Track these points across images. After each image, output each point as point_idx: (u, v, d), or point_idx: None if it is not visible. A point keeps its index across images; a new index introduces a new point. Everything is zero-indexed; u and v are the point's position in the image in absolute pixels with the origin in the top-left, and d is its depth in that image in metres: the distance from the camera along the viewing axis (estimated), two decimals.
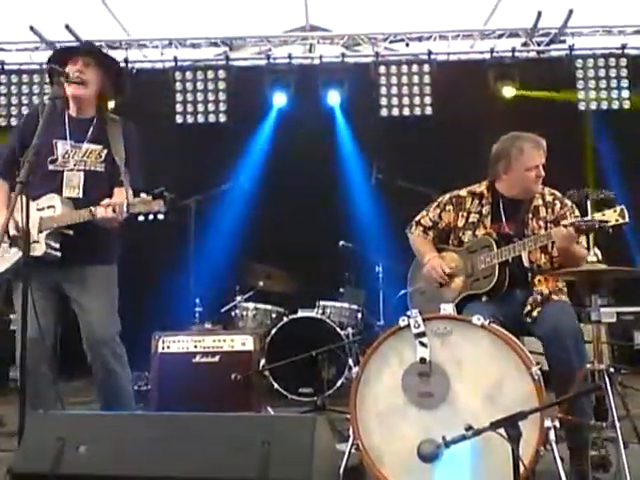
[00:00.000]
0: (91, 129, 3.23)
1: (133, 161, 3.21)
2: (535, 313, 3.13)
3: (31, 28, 6.93)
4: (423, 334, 2.66)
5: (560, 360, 2.91)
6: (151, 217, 2.93)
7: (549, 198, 3.32)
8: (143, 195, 2.91)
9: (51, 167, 3.17)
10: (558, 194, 3.31)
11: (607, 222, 2.76)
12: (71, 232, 3.07)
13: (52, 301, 3.16)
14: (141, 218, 2.97)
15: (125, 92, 3.55)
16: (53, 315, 3.16)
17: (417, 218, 3.59)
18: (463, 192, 3.47)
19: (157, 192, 2.89)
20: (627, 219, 2.75)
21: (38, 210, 3.07)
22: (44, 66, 7.12)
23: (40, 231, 3.05)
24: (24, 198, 2.71)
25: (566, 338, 2.91)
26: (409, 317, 2.69)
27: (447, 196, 3.51)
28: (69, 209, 3.09)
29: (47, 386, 3.06)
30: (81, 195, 3.17)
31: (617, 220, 2.76)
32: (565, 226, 2.95)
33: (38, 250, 3.03)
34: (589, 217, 2.84)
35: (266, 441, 2.10)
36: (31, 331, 2.82)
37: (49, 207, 3.09)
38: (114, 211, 2.95)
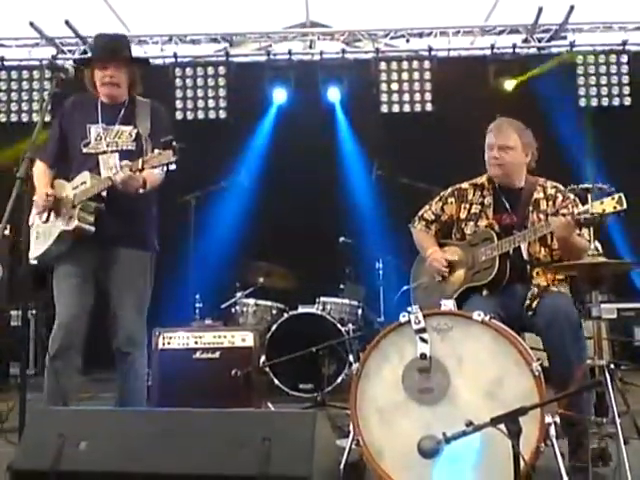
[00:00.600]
0: (122, 111, 3.33)
1: (160, 129, 3.27)
2: (534, 305, 3.12)
3: (31, 24, 6.93)
4: (423, 330, 2.65)
5: (558, 350, 2.91)
6: (164, 169, 3.00)
7: (551, 191, 3.31)
8: (156, 150, 2.99)
9: (84, 150, 3.28)
10: (560, 187, 3.30)
11: (605, 210, 2.74)
12: (102, 205, 3.15)
13: (90, 286, 3.23)
14: (158, 174, 3.10)
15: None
16: (90, 301, 3.22)
17: (420, 212, 3.61)
18: (465, 185, 3.49)
19: (164, 141, 2.96)
20: (625, 206, 2.72)
21: (73, 189, 3.19)
22: (44, 62, 7.16)
23: (74, 206, 3.14)
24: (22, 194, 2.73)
25: (563, 326, 2.90)
26: (409, 313, 2.69)
27: (449, 189, 3.54)
28: (96, 180, 3.17)
29: (71, 373, 3.11)
30: None
31: (615, 207, 2.73)
32: (564, 215, 2.94)
33: (70, 224, 3.12)
34: (588, 206, 2.82)
35: (266, 437, 2.10)
36: (66, 315, 3.02)
37: (82, 184, 3.18)
38: (131, 171, 3.02)
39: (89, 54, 3.54)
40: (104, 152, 3.25)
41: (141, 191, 3.12)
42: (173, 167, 2.95)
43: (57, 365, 3.06)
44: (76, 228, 3.11)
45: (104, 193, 3.13)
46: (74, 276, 3.17)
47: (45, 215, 3.19)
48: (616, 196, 2.74)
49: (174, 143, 2.92)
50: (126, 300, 3.20)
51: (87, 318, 3.19)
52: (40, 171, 3.27)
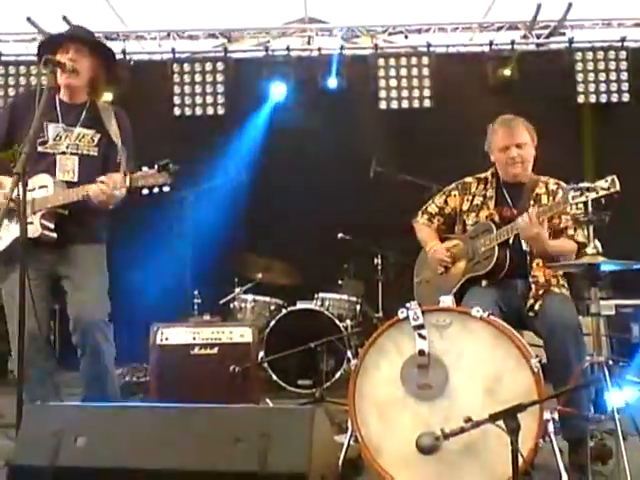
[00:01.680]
0: (83, 114, 3.22)
1: (127, 146, 3.19)
2: (537, 306, 3.13)
3: (28, 19, 6.89)
4: (422, 326, 2.65)
5: (560, 354, 2.91)
6: (156, 190, 2.89)
7: (553, 187, 3.34)
8: (145, 168, 2.88)
9: (40, 149, 3.14)
10: (563, 184, 3.30)
11: (598, 192, 2.69)
12: (66, 212, 3.06)
13: (47, 288, 3.13)
14: (145, 192, 2.92)
15: (121, 81, 3.53)
16: (48, 303, 3.15)
17: (424, 207, 3.66)
18: (469, 178, 3.54)
19: (162, 163, 2.85)
20: (618, 187, 2.68)
21: (30, 191, 2.96)
22: (39, 56, 7.12)
23: (34, 212, 3.00)
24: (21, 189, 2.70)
25: (566, 335, 2.91)
26: (408, 309, 2.69)
27: (453, 184, 3.58)
28: (62, 189, 3.06)
29: (44, 378, 3.04)
30: (76, 179, 3.15)
31: (609, 189, 2.68)
32: (528, 210, 3.01)
33: (33, 231, 2.98)
34: (580, 192, 2.75)
35: (265, 433, 2.10)
36: (28, 322, 2.79)
37: (41, 187, 3.06)
38: (110, 188, 2.92)
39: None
40: (63, 153, 3.14)
41: (111, 207, 3.04)
42: (167, 189, 2.87)
43: (28, 374, 2.90)
44: (40, 236, 3.01)
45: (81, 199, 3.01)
46: (32, 279, 2.93)
47: None
48: (609, 178, 2.73)
49: (171, 165, 2.85)
50: (87, 285, 3.10)
51: (47, 322, 3.11)
52: None
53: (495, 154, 3.37)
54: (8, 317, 3.01)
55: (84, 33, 3.29)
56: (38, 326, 2.93)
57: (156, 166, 2.88)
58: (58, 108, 3.20)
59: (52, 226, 3.07)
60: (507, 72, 6.84)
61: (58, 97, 3.23)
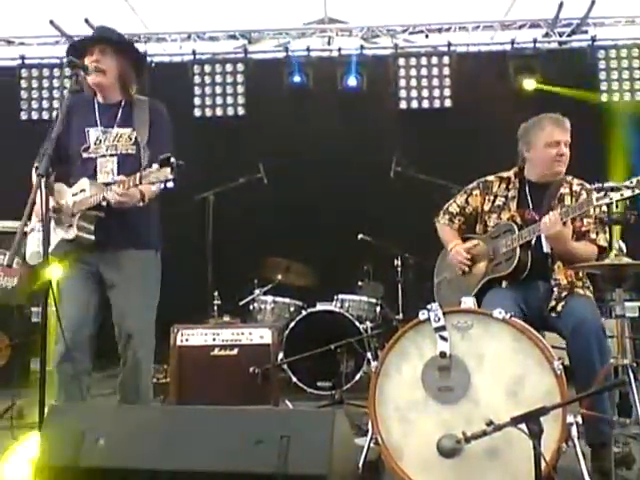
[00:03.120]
0: (119, 113, 3.24)
1: (159, 139, 3.19)
2: (559, 307, 3.10)
3: (51, 22, 6.97)
4: (443, 328, 2.63)
5: (583, 358, 2.87)
6: (161, 187, 2.86)
7: (576, 188, 3.29)
8: (155, 165, 2.86)
9: (85, 155, 3.21)
10: (587, 185, 3.26)
11: (623, 194, 2.67)
12: (102, 214, 3.09)
13: (92, 288, 3.17)
14: (154, 189, 2.96)
15: (143, 76, 3.54)
16: (94, 303, 3.17)
17: (445, 206, 3.63)
18: (491, 177, 3.49)
19: (162, 158, 2.81)
20: None
21: (73, 195, 3.12)
22: (64, 60, 7.21)
23: (73, 215, 3.09)
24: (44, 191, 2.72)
25: (590, 336, 2.87)
26: (429, 310, 2.67)
27: (475, 182, 3.54)
28: (96, 190, 3.10)
29: (79, 375, 3.06)
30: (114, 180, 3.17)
31: (633, 191, 2.66)
32: (552, 210, 2.94)
33: (70, 233, 3.07)
34: (604, 193, 2.75)
35: (285, 435, 2.09)
36: (72, 317, 2.96)
37: (81, 191, 3.12)
38: (124, 188, 2.93)
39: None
40: (103, 156, 3.19)
41: (140, 204, 3.05)
42: (171, 185, 2.83)
43: (64, 368, 3.03)
44: (76, 237, 3.06)
45: (104, 202, 3.04)
46: (76, 278, 3.12)
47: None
48: (634, 180, 2.69)
49: (172, 160, 2.80)
50: (129, 293, 3.13)
51: (92, 319, 3.15)
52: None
53: (539, 150, 3.27)
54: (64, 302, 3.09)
55: (108, 33, 3.31)
56: (81, 322, 3.06)
57: (156, 163, 2.84)
58: (96, 111, 3.25)
59: (91, 228, 3.10)
60: (529, 86, 6.77)
61: (95, 100, 3.27)
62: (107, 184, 3.11)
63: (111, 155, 3.19)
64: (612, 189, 2.73)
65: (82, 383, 3.08)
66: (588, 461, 2.77)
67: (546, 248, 3.18)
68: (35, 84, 7.22)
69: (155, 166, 2.84)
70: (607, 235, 3.13)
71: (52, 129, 3.15)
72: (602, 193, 2.69)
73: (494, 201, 3.41)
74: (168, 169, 2.79)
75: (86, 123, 3.21)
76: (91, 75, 3.16)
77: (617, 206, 2.66)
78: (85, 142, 3.21)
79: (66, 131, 3.15)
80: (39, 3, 6.44)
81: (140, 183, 2.90)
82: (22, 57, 7.31)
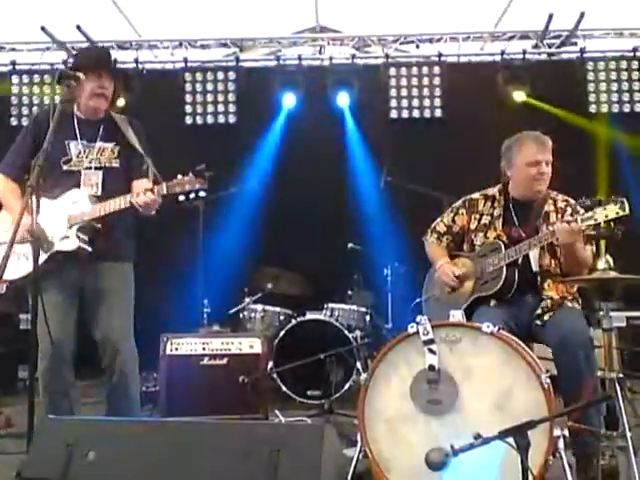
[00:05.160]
0: (102, 128, 3.29)
1: (147, 152, 3.26)
2: (546, 317, 3.12)
3: (42, 28, 6.95)
4: (432, 341, 2.65)
5: (570, 369, 2.89)
6: (192, 195, 3.06)
7: (561, 204, 3.31)
8: (180, 176, 3.03)
9: (65, 167, 3.22)
10: (571, 201, 3.29)
11: (607, 216, 2.73)
12: (99, 226, 3.13)
13: (75, 301, 3.18)
14: (182, 198, 3.09)
15: (133, 90, 3.62)
16: (75, 316, 3.19)
17: (432, 225, 3.64)
18: (476, 195, 3.50)
19: (199, 170, 3.03)
20: (627, 211, 2.71)
21: (63, 207, 3.13)
22: (55, 66, 7.19)
23: (70, 227, 3.10)
24: (34, 202, 2.73)
25: (577, 348, 2.89)
26: (418, 324, 2.68)
27: (460, 201, 3.55)
28: (97, 201, 3.15)
29: (66, 389, 3.07)
30: (99, 192, 3.22)
31: (617, 213, 2.72)
32: (569, 222, 2.93)
33: (69, 245, 3.08)
34: (590, 213, 2.81)
35: (275, 449, 2.10)
36: (55, 333, 2.91)
37: (74, 203, 3.14)
38: (153, 193, 3.03)
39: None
40: (87, 168, 3.22)
41: (153, 212, 3.13)
42: (203, 194, 3.05)
43: (50, 383, 3.03)
44: (78, 249, 3.09)
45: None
46: (60, 293, 3.11)
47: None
48: (618, 201, 2.72)
49: (207, 172, 3.03)
50: (117, 315, 3.17)
51: (73, 333, 3.15)
52: (10, 188, 3.21)
53: (520, 169, 3.27)
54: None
55: (110, 58, 3.41)
56: (66, 338, 3.06)
57: (191, 173, 3.04)
58: (76, 125, 3.27)
59: (87, 238, 3.13)
60: (518, 97, 6.82)
61: (75, 114, 3.29)
62: (97, 197, 3.17)
63: (96, 168, 3.23)
64: (599, 203, 2.76)
65: (70, 397, 3.08)
66: (575, 473, 2.79)
67: (535, 267, 3.20)
68: (25, 90, 7.20)
69: (180, 177, 2.99)
70: (594, 247, 3.16)
71: (26, 139, 3.24)
72: (588, 212, 2.73)
73: (480, 219, 3.42)
74: (203, 179, 3.00)
75: (65, 136, 3.21)
76: (93, 98, 3.23)
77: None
78: (66, 154, 3.22)
79: (42, 142, 3.08)
80: (31, 9, 6.42)
81: (168, 192, 3.02)
82: (13, 63, 7.28)
